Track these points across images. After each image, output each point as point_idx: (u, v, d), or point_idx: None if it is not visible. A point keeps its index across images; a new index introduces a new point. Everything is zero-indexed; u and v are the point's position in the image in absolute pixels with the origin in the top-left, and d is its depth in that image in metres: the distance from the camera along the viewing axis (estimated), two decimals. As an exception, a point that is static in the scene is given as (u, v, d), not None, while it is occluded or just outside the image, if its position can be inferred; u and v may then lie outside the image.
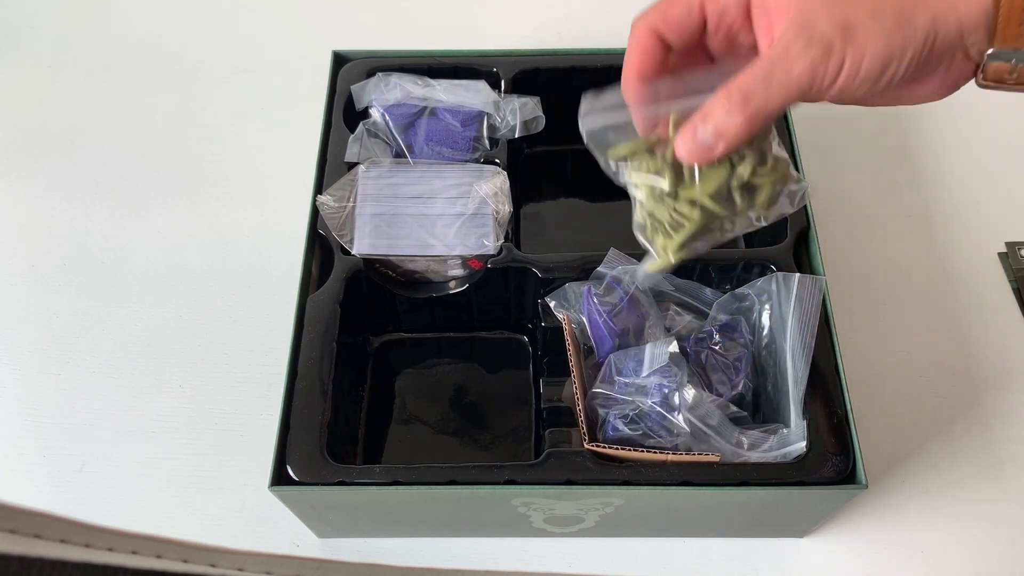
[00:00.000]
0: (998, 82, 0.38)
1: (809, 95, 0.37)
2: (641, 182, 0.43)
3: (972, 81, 0.39)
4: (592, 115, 0.44)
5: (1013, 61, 0.37)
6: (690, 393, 0.53)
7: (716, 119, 0.38)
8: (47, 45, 0.88)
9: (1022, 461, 0.63)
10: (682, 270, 0.60)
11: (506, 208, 0.62)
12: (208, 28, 0.89)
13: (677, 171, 0.42)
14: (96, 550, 0.21)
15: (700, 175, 0.41)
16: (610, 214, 0.74)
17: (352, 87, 0.67)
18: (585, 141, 0.45)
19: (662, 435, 0.53)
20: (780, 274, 0.56)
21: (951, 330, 0.68)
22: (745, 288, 0.58)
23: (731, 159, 0.41)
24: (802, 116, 0.67)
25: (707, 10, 0.40)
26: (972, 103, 0.80)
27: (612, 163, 0.44)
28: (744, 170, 0.41)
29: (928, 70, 0.38)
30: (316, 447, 0.53)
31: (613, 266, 0.58)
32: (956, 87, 0.40)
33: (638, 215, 0.44)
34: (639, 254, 0.58)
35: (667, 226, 0.43)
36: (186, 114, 0.83)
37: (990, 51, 0.37)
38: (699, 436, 0.52)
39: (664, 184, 0.42)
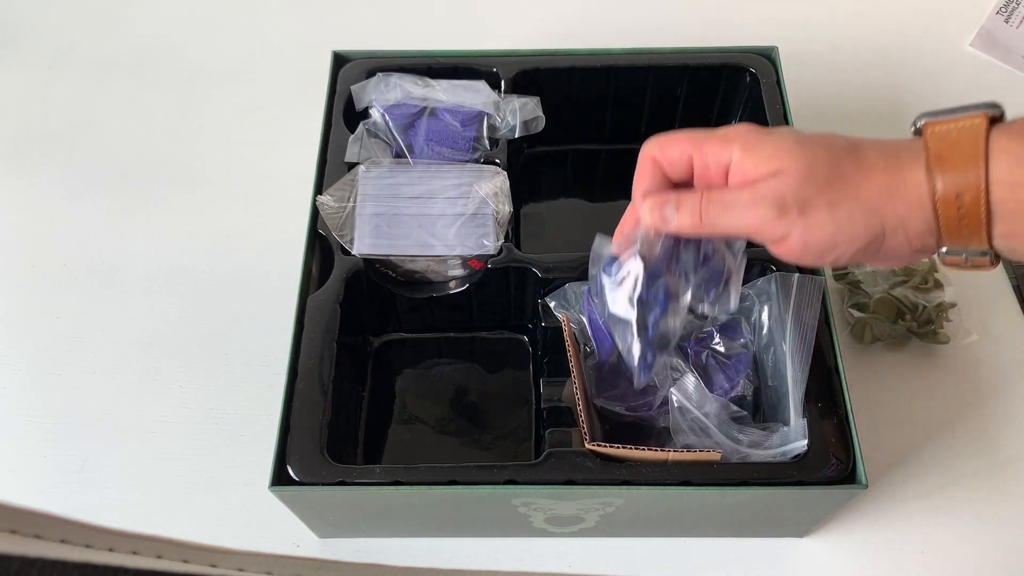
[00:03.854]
0: (955, 267, 0.42)
1: (756, 239, 0.43)
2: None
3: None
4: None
5: (964, 256, 0.41)
6: (691, 383, 0.53)
7: (682, 209, 0.44)
8: (47, 46, 0.88)
9: (1022, 461, 0.63)
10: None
11: (506, 208, 0.63)
12: (208, 28, 0.89)
13: None
14: (96, 550, 0.21)
15: None
16: (610, 214, 0.74)
17: (352, 87, 0.67)
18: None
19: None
20: (780, 274, 0.56)
21: (950, 328, 0.68)
22: (745, 288, 0.58)
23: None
24: (803, 115, 0.67)
25: (694, 160, 0.45)
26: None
27: None
28: None
29: (880, 257, 0.43)
30: (316, 447, 0.53)
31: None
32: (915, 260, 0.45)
33: None
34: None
35: None
36: (186, 114, 0.83)
37: (943, 249, 0.41)
38: (699, 432, 0.52)
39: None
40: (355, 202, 0.62)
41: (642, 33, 0.86)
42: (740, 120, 0.73)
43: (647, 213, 0.45)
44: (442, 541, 0.61)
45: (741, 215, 0.42)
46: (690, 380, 0.54)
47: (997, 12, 0.85)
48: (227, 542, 0.24)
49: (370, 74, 0.68)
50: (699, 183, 0.46)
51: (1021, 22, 0.85)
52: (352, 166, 0.64)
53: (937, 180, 0.39)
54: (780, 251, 0.43)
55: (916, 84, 0.82)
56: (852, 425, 0.53)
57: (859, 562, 0.60)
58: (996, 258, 0.41)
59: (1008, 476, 0.63)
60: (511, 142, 0.66)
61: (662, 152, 0.46)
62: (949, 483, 0.63)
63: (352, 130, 0.65)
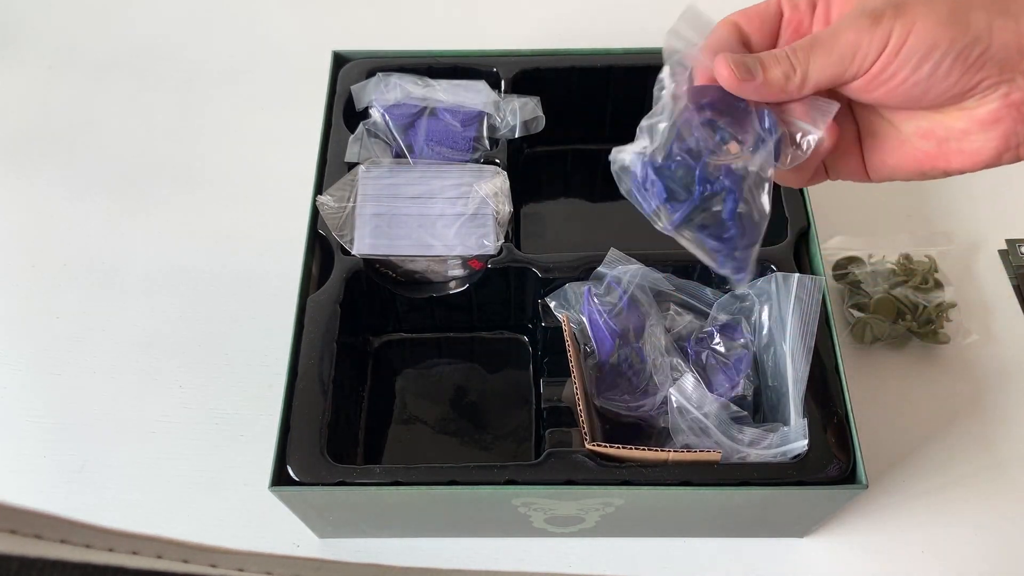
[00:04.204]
0: None
1: (850, 68, 0.38)
2: None
3: None
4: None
5: None
6: (690, 383, 0.53)
7: (768, 63, 0.39)
8: (47, 46, 0.88)
9: (1022, 460, 0.63)
10: (682, 270, 0.60)
11: (506, 208, 0.63)
12: (208, 28, 0.89)
13: None
14: (96, 550, 0.21)
15: None
16: (610, 214, 0.74)
17: (352, 87, 0.67)
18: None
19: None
20: (780, 274, 0.56)
21: (951, 328, 0.68)
22: (745, 288, 0.58)
23: None
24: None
25: (782, 3, 0.41)
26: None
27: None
28: None
29: (984, 83, 0.37)
30: (316, 447, 0.53)
31: (613, 266, 0.58)
32: (1017, 138, 0.39)
33: None
34: (639, 254, 0.59)
35: None
36: (186, 114, 0.83)
37: None
38: (699, 432, 0.53)
39: None
40: (355, 202, 0.62)
41: (642, 33, 0.86)
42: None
43: (723, 66, 0.39)
44: (442, 541, 0.61)
45: (833, 41, 0.38)
46: (689, 380, 0.54)
47: (997, 12, 0.85)
48: (227, 542, 0.24)
49: (370, 74, 0.68)
50: (787, 31, 0.42)
51: (1021, 22, 0.84)
52: (352, 166, 0.64)
53: None
54: (879, 71, 0.38)
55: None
56: (852, 425, 0.53)
57: (859, 562, 0.60)
58: None
59: (1008, 476, 0.63)
60: (511, 142, 0.66)
61: (745, 11, 0.41)
62: (949, 483, 0.63)
63: (352, 130, 0.65)
